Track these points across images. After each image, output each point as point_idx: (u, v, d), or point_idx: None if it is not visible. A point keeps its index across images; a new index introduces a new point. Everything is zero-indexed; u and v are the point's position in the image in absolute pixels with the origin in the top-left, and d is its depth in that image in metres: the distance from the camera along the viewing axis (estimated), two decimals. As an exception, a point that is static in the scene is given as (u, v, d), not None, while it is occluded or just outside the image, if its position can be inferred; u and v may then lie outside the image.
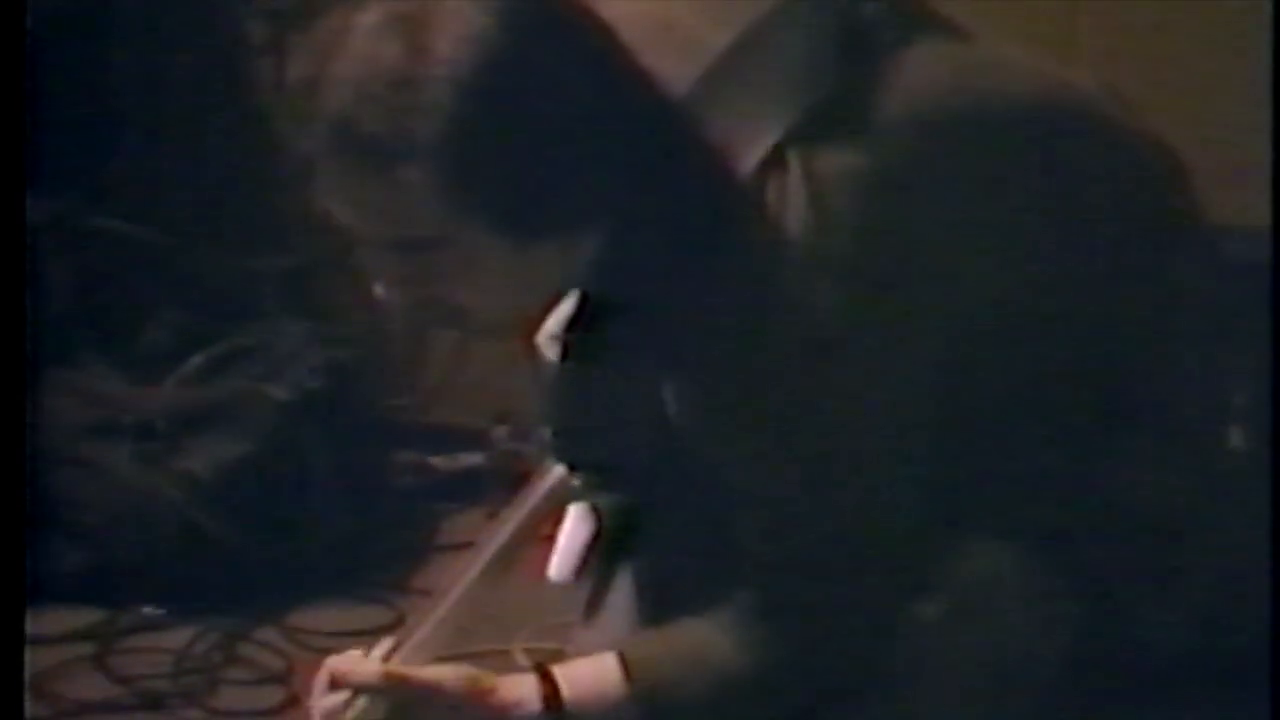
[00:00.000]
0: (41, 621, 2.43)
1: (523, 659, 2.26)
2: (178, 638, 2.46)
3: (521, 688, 1.55)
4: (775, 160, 1.47)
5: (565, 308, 1.56)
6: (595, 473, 1.61)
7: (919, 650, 1.51)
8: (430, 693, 1.54)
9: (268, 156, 1.50)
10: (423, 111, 1.41)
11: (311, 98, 1.43)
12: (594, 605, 1.66)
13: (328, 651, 2.31)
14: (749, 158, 1.47)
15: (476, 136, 1.42)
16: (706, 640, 1.54)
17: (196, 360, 2.70)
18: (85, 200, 2.75)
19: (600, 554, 1.65)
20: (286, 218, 2.58)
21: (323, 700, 1.57)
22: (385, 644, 1.61)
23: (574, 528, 1.65)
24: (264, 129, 1.50)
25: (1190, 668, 1.54)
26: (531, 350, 1.59)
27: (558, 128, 1.44)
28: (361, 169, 1.43)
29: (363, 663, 1.57)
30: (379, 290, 1.55)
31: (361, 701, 1.55)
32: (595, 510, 1.64)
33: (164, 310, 2.77)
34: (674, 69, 1.51)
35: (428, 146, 1.42)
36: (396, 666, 1.57)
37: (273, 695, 2.34)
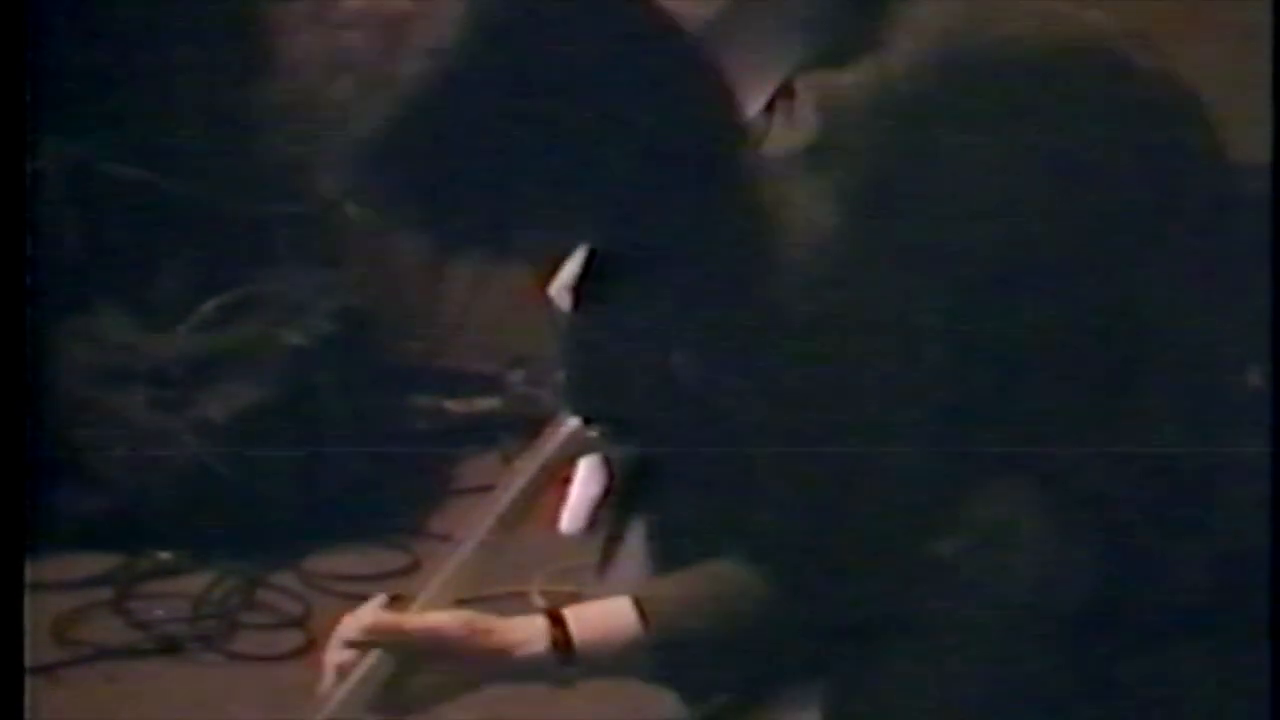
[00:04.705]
0: (59, 567, 2.44)
1: (540, 601, 2.27)
2: (195, 582, 2.47)
3: (526, 628, 1.54)
4: (783, 90, 1.47)
5: (574, 262, 1.55)
6: (608, 423, 1.61)
7: (935, 591, 1.51)
8: (428, 638, 1.53)
9: (280, 101, 1.50)
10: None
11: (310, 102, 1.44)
12: (607, 559, 1.66)
13: (345, 595, 2.33)
14: (759, 97, 1.47)
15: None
16: (721, 582, 1.54)
17: (210, 306, 2.70)
18: (98, 147, 2.74)
19: (613, 507, 1.65)
20: (299, 163, 2.57)
21: (332, 656, 1.57)
22: (379, 598, 1.60)
23: (586, 480, 1.65)
24: (276, 73, 1.49)
25: (1210, 610, 1.54)
26: (545, 300, 1.59)
27: (552, 79, 1.44)
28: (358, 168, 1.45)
29: (355, 616, 1.57)
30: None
31: (371, 656, 1.55)
32: (608, 463, 1.64)
33: (178, 257, 2.78)
34: (687, 9, 1.50)
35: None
36: (388, 616, 1.56)
37: (291, 639, 2.35)
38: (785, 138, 1.46)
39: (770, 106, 1.48)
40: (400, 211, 1.50)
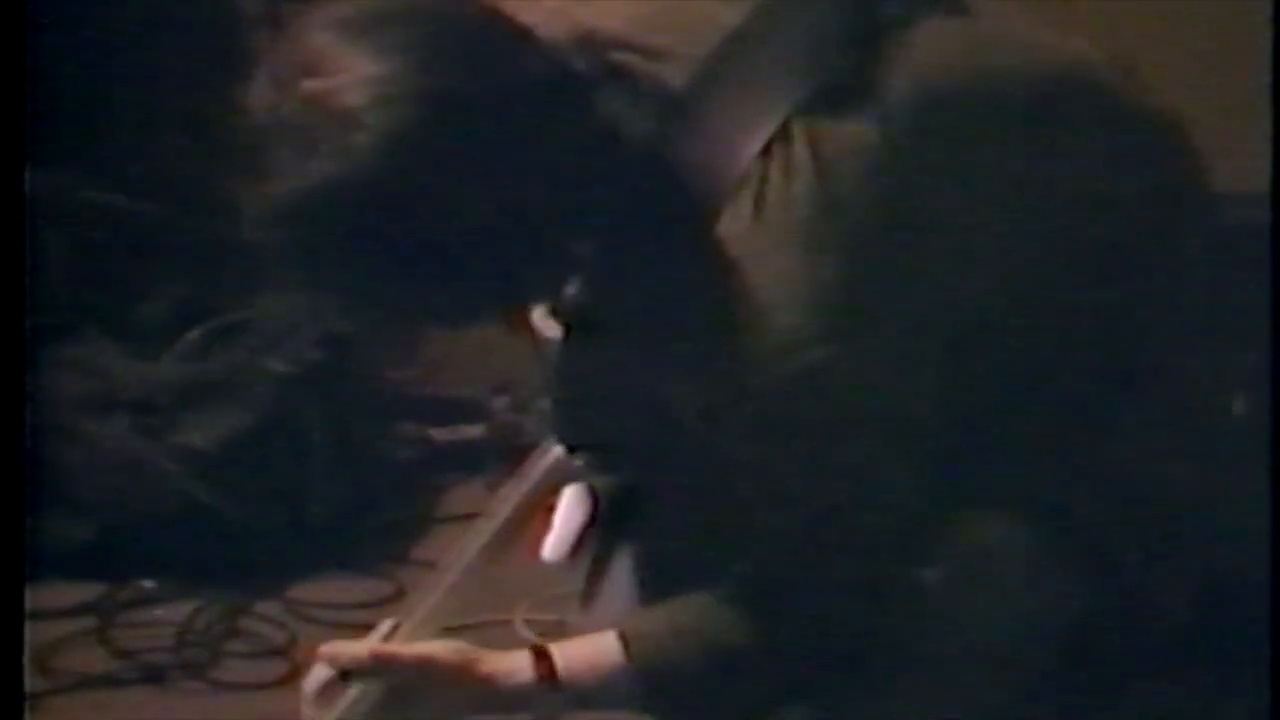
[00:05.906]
0: (42, 596, 2.43)
1: (524, 629, 2.27)
2: (179, 611, 2.47)
3: (514, 658, 1.54)
4: (781, 135, 1.47)
5: (567, 293, 1.56)
6: (593, 452, 1.61)
7: (919, 620, 1.51)
8: (420, 668, 1.53)
9: (266, 130, 1.51)
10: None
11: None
12: (592, 588, 1.66)
13: (329, 624, 2.32)
14: (756, 137, 1.47)
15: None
16: (706, 614, 1.54)
17: (195, 334, 2.70)
18: (83, 174, 2.74)
19: (597, 536, 1.65)
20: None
21: (308, 681, 1.57)
22: (386, 624, 1.60)
23: (570, 509, 1.65)
24: (261, 103, 1.50)
25: (1193, 639, 1.54)
26: (530, 328, 1.59)
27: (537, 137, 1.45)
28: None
29: (350, 644, 1.57)
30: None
31: (357, 685, 1.54)
32: (592, 491, 1.64)
33: (162, 284, 2.77)
34: (683, 47, 1.51)
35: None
36: (384, 645, 1.56)
37: (275, 668, 2.34)
38: (783, 188, 1.46)
39: (768, 150, 1.48)
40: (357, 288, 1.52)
